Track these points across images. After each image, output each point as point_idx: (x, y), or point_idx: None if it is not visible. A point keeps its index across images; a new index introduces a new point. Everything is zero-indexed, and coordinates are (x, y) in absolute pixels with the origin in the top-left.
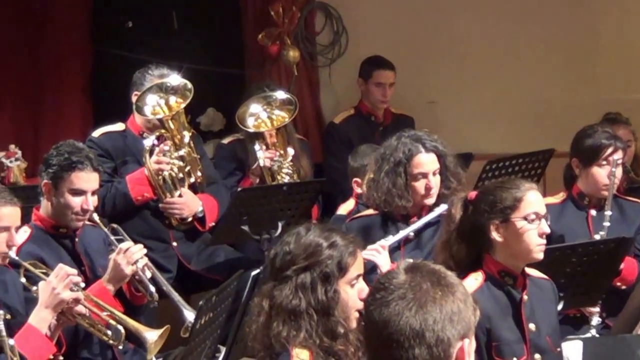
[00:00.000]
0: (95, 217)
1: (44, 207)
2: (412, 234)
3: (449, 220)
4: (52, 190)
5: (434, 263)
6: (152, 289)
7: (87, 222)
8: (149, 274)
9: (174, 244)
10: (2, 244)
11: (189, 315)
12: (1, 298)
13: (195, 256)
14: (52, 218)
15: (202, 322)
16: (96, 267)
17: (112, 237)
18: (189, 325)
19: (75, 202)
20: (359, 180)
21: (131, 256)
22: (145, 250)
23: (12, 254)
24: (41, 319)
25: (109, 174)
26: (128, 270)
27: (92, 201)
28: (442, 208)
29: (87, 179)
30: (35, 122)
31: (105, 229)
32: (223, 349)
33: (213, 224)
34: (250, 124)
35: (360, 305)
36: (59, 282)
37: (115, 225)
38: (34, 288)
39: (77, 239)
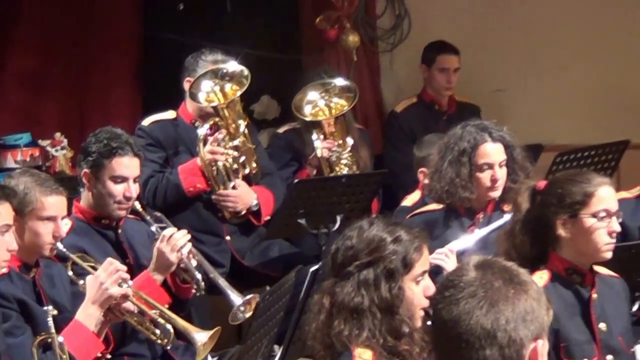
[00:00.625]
0: (137, 205)
1: (85, 198)
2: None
3: (514, 208)
4: (93, 180)
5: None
6: (199, 276)
7: (129, 216)
8: (194, 262)
9: (228, 238)
10: (48, 234)
11: (236, 299)
12: (48, 293)
13: (249, 251)
14: (94, 209)
15: (259, 320)
16: (141, 259)
17: (156, 225)
18: (237, 311)
19: (117, 189)
20: (425, 170)
21: (175, 243)
22: (189, 236)
23: (60, 245)
24: (88, 315)
25: (160, 165)
26: (173, 257)
27: (135, 189)
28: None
29: (129, 165)
30: (81, 109)
31: (148, 217)
32: (277, 349)
33: (268, 217)
34: (308, 112)
35: (426, 303)
36: (108, 277)
37: (158, 214)
38: (81, 282)
39: (119, 230)
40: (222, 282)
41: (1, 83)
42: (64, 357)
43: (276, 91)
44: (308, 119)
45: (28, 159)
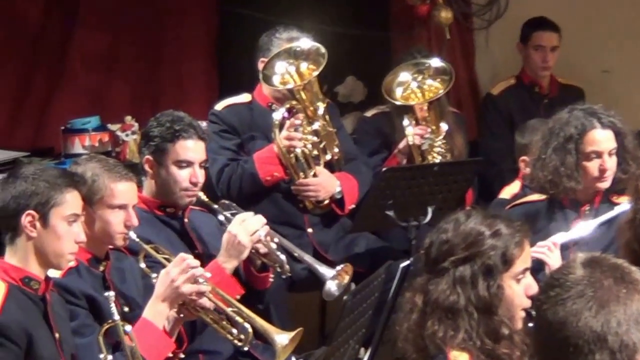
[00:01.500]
0: (202, 195)
1: (148, 186)
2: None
3: (635, 195)
4: (156, 166)
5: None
6: (282, 257)
7: (194, 207)
8: (274, 245)
9: (309, 230)
10: (120, 224)
11: (327, 272)
12: (119, 288)
13: (333, 244)
14: (158, 197)
15: (346, 320)
16: (210, 249)
17: (225, 212)
18: (330, 285)
19: (182, 175)
20: (526, 159)
21: (249, 224)
22: (264, 220)
23: (133, 235)
24: (157, 312)
25: (234, 152)
26: (246, 240)
27: (201, 174)
28: (624, 207)
29: (194, 149)
30: (153, 91)
31: (215, 205)
32: (363, 352)
33: (353, 207)
34: (399, 95)
35: (527, 303)
36: (179, 274)
37: (226, 201)
38: (154, 276)
39: (186, 219)
40: (309, 258)
41: (68, 64)
42: (133, 345)
43: (362, 72)
44: (399, 102)
45: (97, 144)
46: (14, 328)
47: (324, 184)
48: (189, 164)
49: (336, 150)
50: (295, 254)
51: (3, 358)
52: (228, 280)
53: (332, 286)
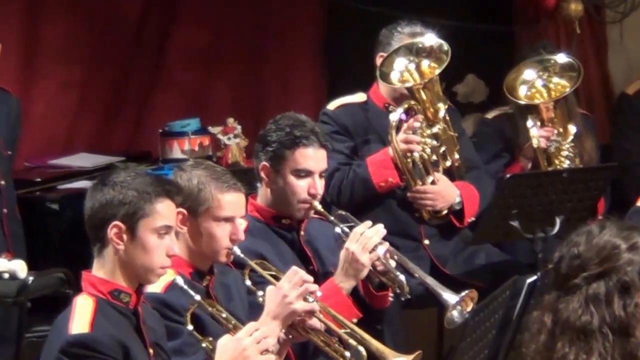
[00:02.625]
0: (317, 204)
1: (262, 194)
2: None
3: None
4: (272, 174)
5: None
6: (402, 277)
7: (312, 215)
8: (393, 263)
9: (426, 242)
10: (225, 238)
11: (450, 297)
12: (223, 304)
13: (452, 258)
14: (273, 207)
15: (467, 341)
16: (327, 265)
17: (341, 225)
18: (453, 311)
19: (301, 185)
20: None
21: (367, 241)
22: (384, 232)
23: (237, 250)
24: (268, 331)
25: (347, 155)
26: (365, 259)
27: (321, 185)
28: None
29: (314, 157)
30: (257, 91)
31: (331, 217)
32: None
33: (473, 218)
34: (523, 95)
35: None
36: (292, 289)
37: (343, 212)
38: (260, 293)
39: (302, 232)
40: (431, 281)
41: (167, 62)
42: None
43: (483, 70)
44: (523, 102)
45: (196, 149)
46: (107, 342)
47: (443, 192)
48: (309, 173)
49: (457, 156)
50: (416, 275)
51: None
52: (345, 302)
53: (455, 314)
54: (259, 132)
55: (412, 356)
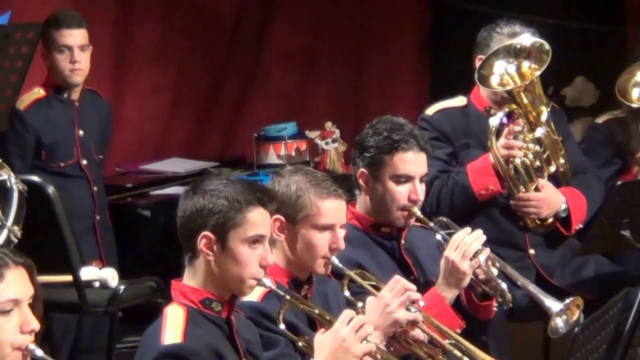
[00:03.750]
0: (417, 211)
1: (362, 202)
2: None
3: None
4: (371, 180)
5: None
6: (504, 285)
7: (413, 223)
8: (495, 271)
9: (531, 251)
10: (324, 246)
11: (554, 305)
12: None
13: (559, 268)
14: (372, 215)
15: (577, 355)
16: (428, 275)
17: (442, 232)
18: (557, 320)
19: (401, 192)
20: None
21: (467, 248)
22: (484, 238)
23: (335, 260)
24: None
25: (445, 162)
26: (465, 266)
27: (421, 190)
28: None
29: (414, 162)
30: (357, 94)
31: (431, 224)
32: None
33: (581, 225)
34: (635, 98)
35: None
36: (395, 298)
37: (444, 219)
38: (360, 305)
39: (402, 241)
40: (534, 288)
41: (264, 63)
42: None
43: (593, 72)
44: (636, 105)
45: (293, 154)
46: (201, 351)
47: (548, 199)
48: (409, 178)
49: (562, 161)
50: (519, 283)
51: None
52: (448, 311)
53: (559, 322)
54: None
55: None
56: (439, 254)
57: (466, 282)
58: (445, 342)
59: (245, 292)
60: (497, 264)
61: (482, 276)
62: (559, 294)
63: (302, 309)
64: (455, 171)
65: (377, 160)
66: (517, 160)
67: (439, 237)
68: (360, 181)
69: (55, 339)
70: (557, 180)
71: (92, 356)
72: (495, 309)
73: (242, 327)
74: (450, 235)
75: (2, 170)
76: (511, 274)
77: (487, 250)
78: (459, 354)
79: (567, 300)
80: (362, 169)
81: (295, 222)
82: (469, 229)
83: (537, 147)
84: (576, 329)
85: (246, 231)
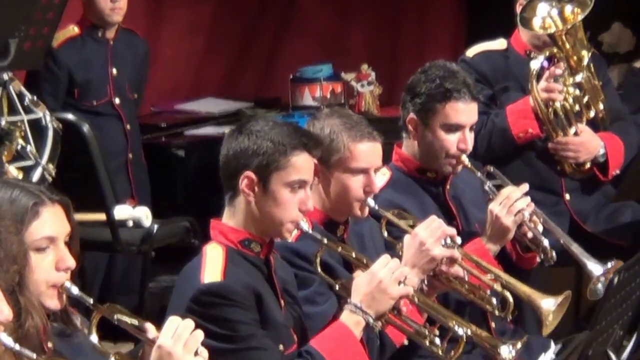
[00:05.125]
0: (465, 159)
1: (409, 146)
2: None
3: None
4: (420, 127)
5: None
6: (546, 243)
7: None
8: (539, 226)
9: (567, 196)
10: (358, 190)
11: (596, 268)
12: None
13: (593, 214)
14: (418, 159)
15: (612, 301)
16: (471, 221)
17: (489, 183)
18: (597, 283)
19: (450, 140)
20: None
21: (512, 204)
22: (529, 198)
23: (372, 202)
24: (409, 280)
25: (484, 104)
26: (509, 222)
27: (470, 139)
28: None
29: (466, 111)
30: (393, 36)
31: (478, 173)
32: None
33: (618, 171)
34: None
35: None
36: (431, 236)
37: (491, 168)
38: (399, 245)
39: (447, 186)
40: (576, 249)
41: (301, 4)
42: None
43: (630, 18)
44: None
45: (328, 96)
46: (240, 290)
47: (586, 144)
48: (459, 127)
49: (601, 107)
50: (562, 240)
51: (238, 320)
52: (490, 262)
53: (599, 286)
54: (393, 79)
55: (561, 297)
56: (484, 199)
57: (509, 237)
58: (486, 277)
59: (283, 235)
60: (541, 220)
61: (526, 231)
62: (592, 241)
63: (339, 252)
64: (494, 113)
65: (429, 107)
66: (557, 104)
67: (485, 187)
68: (409, 126)
69: (87, 277)
70: (595, 125)
71: (124, 296)
72: (538, 260)
73: (280, 267)
74: (496, 186)
75: (38, 108)
76: (555, 230)
77: (532, 206)
78: (499, 288)
79: (609, 264)
80: (411, 115)
81: (330, 165)
82: (515, 188)
83: (577, 92)
84: (611, 266)
85: (289, 175)
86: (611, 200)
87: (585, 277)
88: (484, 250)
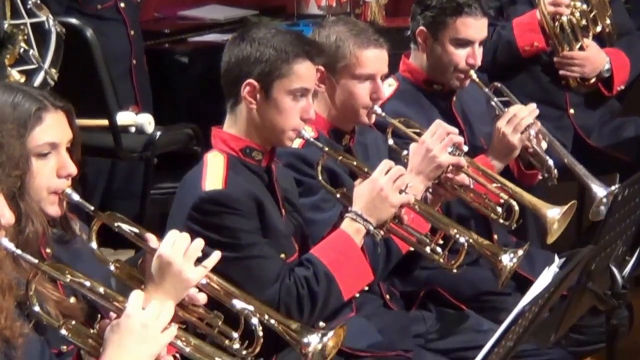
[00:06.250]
0: (474, 74)
1: (417, 57)
2: None
3: None
4: (430, 40)
5: None
6: (550, 162)
7: None
8: (544, 145)
9: (571, 111)
10: (365, 96)
11: (599, 191)
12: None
13: (597, 128)
14: (426, 72)
15: (615, 217)
16: (476, 134)
17: (495, 99)
18: (600, 205)
19: (459, 55)
20: None
21: (519, 122)
22: (537, 112)
23: (379, 109)
24: (413, 188)
25: (491, 16)
26: (515, 140)
27: (479, 54)
28: None
29: (476, 26)
30: None
31: (486, 89)
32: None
33: (622, 87)
34: None
35: None
36: (437, 142)
37: (498, 84)
38: (404, 153)
39: (454, 99)
40: (580, 169)
41: None
42: None
43: None
44: None
45: (334, 4)
46: (242, 198)
47: (592, 58)
48: (469, 43)
49: (608, 22)
50: (566, 161)
51: (239, 228)
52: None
53: (602, 208)
54: None
55: (566, 207)
56: (490, 118)
57: (515, 155)
58: (492, 186)
59: (284, 143)
60: (547, 139)
61: (531, 150)
62: (595, 155)
63: (340, 160)
64: (500, 25)
65: (439, 21)
66: (564, 18)
67: (493, 103)
68: (419, 39)
69: (89, 183)
70: (601, 40)
71: (126, 202)
72: (540, 177)
73: (281, 175)
74: (503, 103)
75: (41, 12)
76: (559, 150)
77: (538, 124)
78: (505, 196)
79: (612, 187)
80: (421, 27)
81: (336, 72)
82: (522, 106)
83: (584, 6)
84: (615, 190)
85: (291, 83)
86: (616, 115)
87: (588, 194)
88: (489, 166)
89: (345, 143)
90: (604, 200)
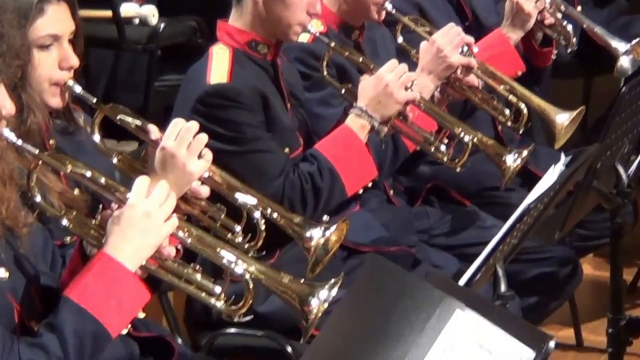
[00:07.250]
0: None
1: None
2: None
3: None
4: None
5: None
6: (570, 27)
7: None
8: (559, 14)
9: (579, 8)
10: None
11: (620, 46)
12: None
13: (605, 26)
14: None
15: (622, 115)
16: (483, 18)
17: None
18: (622, 65)
19: None
20: None
21: None
22: None
23: (389, 5)
24: (423, 86)
25: None
26: (530, 7)
27: None
28: None
29: None
30: None
31: None
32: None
33: None
34: None
35: None
36: (449, 43)
37: None
38: (413, 52)
39: None
40: (600, 30)
41: None
42: None
43: None
44: None
45: None
46: (246, 92)
47: None
48: None
49: None
50: (584, 25)
51: (244, 122)
52: (511, 52)
53: (625, 62)
54: None
55: (575, 112)
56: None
57: (531, 23)
58: (501, 87)
59: (290, 37)
60: (563, 8)
61: (547, 20)
62: (605, 52)
63: (346, 56)
64: None
65: None
66: None
67: None
68: None
69: (92, 75)
70: None
71: (129, 93)
72: (553, 56)
73: (287, 70)
74: None
75: None
76: (576, 16)
77: None
78: (514, 99)
79: (634, 42)
80: None
81: None
82: None
83: None
84: (623, 89)
85: None
86: (623, 13)
87: (594, 89)
88: (503, 39)
89: (355, 38)
90: (627, 55)
